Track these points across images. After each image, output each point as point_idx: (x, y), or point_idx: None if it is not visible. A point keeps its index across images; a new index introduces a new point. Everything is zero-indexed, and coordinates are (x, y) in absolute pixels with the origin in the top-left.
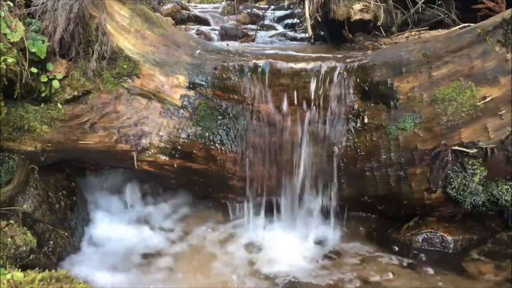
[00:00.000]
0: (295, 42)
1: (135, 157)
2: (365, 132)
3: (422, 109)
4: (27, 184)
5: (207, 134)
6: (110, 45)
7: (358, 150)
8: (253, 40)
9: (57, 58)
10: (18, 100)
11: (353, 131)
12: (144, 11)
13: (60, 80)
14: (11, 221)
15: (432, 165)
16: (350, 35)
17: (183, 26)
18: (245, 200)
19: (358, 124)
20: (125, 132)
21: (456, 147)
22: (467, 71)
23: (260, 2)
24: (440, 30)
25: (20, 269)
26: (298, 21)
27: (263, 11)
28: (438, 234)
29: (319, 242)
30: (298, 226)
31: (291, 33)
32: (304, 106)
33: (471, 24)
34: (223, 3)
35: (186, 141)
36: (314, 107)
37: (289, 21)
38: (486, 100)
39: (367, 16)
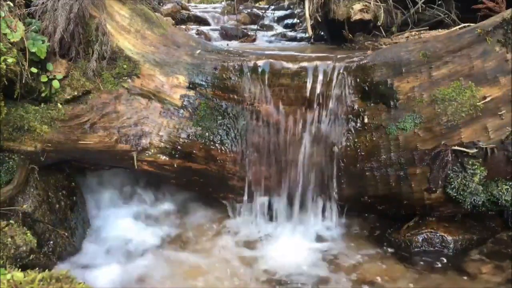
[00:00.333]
0: (295, 42)
1: (135, 157)
2: (365, 132)
3: (422, 109)
4: (27, 184)
5: (207, 134)
6: (110, 45)
7: (358, 150)
8: (253, 40)
9: (57, 58)
10: (18, 100)
11: (353, 131)
12: (144, 11)
13: (60, 80)
14: (11, 221)
15: (432, 165)
16: (350, 35)
17: (183, 26)
18: (245, 200)
19: (358, 124)
20: (125, 132)
21: (456, 147)
22: (467, 71)
23: (260, 2)
24: (440, 30)
25: (20, 269)
26: (298, 21)
27: (263, 11)
28: (438, 234)
29: (319, 242)
30: (298, 226)
31: (291, 33)
32: (304, 106)
33: (471, 24)
34: (223, 3)
35: (186, 141)
36: (314, 107)
37: (289, 21)
38: (486, 100)
39: (367, 16)
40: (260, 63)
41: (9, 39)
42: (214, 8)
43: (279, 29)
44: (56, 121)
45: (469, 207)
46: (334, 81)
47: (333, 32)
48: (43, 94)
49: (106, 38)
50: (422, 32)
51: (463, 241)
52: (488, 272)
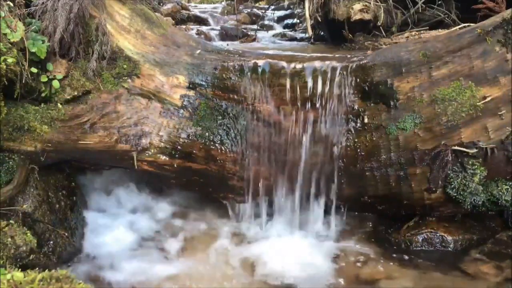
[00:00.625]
0: (295, 42)
1: (135, 157)
2: (365, 132)
3: (422, 109)
4: (27, 184)
5: (207, 134)
6: (110, 45)
7: (358, 150)
8: (253, 40)
9: (57, 58)
10: (18, 100)
11: (353, 131)
12: (144, 11)
13: (60, 80)
14: (11, 221)
15: (432, 165)
16: (350, 35)
17: (183, 26)
18: (245, 200)
19: (358, 124)
20: (125, 132)
21: (456, 147)
22: (467, 71)
23: (260, 2)
24: (440, 30)
25: (20, 269)
26: (298, 21)
27: (263, 11)
28: (438, 234)
29: (319, 242)
30: (298, 226)
31: (291, 33)
32: (304, 106)
33: (471, 24)
34: (223, 3)
35: (186, 141)
36: (314, 107)
37: (289, 21)
38: (486, 100)
39: (367, 16)
40: (260, 63)
41: (9, 39)
42: (214, 8)
43: (279, 29)
44: (56, 121)
45: (469, 207)
46: (334, 81)
47: (333, 32)
48: (43, 94)
49: (106, 38)
50: (422, 32)
51: (463, 241)
52: (488, 272)
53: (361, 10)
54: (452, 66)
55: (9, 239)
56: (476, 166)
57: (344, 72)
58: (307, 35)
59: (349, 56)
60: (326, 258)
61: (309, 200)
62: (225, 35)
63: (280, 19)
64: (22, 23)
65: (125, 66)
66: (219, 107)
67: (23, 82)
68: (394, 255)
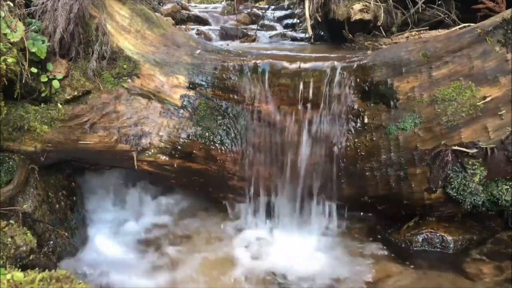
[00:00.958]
0: (295, 42)
1: (135, 157)
2: (365, 132)
3: (422, 109)
4: (27, 184)
5: (207, 134)
6: (110, 45)
7: (358, 150)
8: (253, 40)
9: (57, 58)
10: (18, 100)
11: (353, 131)
12: (144, 11)
13: (60, 80)
14: (11, 221)
15: (432, 165)
16: (350, 35)
17: (183, 26)
18: (245, 200)
19: (358, 124)
20: (125, 132)
21: (456, 147)
22: (467, 71)
23: (260, 2)
24: (440, 30)
25: (20, 269)
26: (298, 21)
27: (263, 11)
28: (438, 234)
29: (319, 242)
30: (298, 226)
31: (291, 33)
32: (304, 106)
33: (471, 24)
34: (223, 3)
35: (186, 141)
36: (314, 107)
37: (289, 21)
38: (486, 100)
39: (367, 16)
40: (260, 63)
41: (9, 39)
42: (214, 8)
43: (279, 29)
44: (56, 121)
45: (469, 207)
46: (334, 81)
47: (333, 32)
48: (43, 94)
49: (106, 38)
50: (422, 32)
51: (463, 241)
52: (488, 272)
53: (361, 10)
54: (452, 66)
55: (9, 239)
56: (476, 166)
57: (344, 72)
58: (307, 35)
59: (349, 56)
60: (326, 257)
61: (309, 200)
62: (225, 35)
63: (280, 19)
64: (22, 23)
65: (125, 66)
66: (219, 107)
67: (23, 82)
68: (394, 255)
